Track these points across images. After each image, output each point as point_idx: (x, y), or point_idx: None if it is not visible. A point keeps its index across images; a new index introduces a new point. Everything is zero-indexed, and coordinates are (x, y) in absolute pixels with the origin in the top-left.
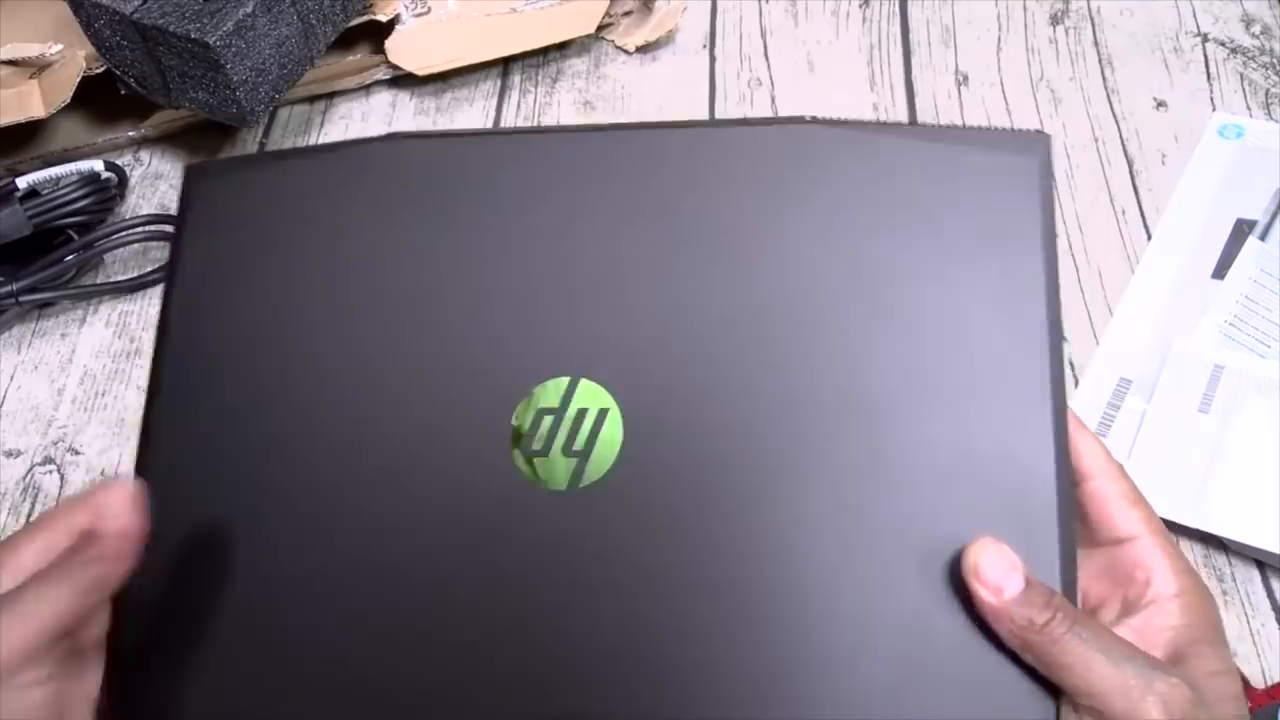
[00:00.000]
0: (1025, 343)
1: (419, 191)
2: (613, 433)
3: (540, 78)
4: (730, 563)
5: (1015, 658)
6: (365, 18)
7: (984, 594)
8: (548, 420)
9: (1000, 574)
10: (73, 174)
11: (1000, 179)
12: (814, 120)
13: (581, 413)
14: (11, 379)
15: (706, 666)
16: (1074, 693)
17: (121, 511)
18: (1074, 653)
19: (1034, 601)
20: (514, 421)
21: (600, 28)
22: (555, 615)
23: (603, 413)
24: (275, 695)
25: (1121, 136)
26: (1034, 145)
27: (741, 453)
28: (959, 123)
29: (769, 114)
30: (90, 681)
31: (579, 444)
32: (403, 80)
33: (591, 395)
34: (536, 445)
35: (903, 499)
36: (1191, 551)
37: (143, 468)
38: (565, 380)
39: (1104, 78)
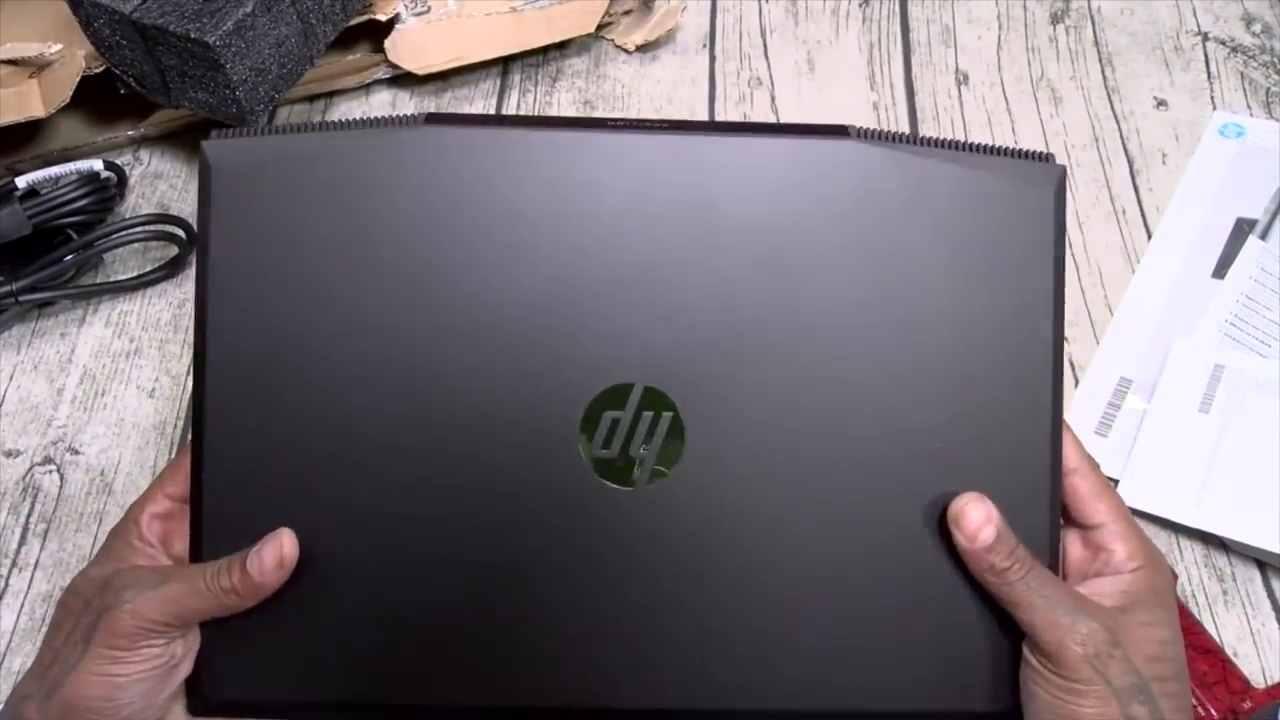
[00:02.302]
0: (1033, 352)
1: (461, 181)
2: (674, 434)
3: (540, 77)
4: (781, 549)
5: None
6: (365, 17)
7: (960, 539)
8: (614, 422)
9: (977, 525)
10: (72, 173)
11: (1019, 204)
12: (855, 131)
13: (645, 416)
14: (11, 379)
15: (753, 643)
16: (1020, 624)
17: (272, 570)
18: (1021, 594)
19: (999, 551)
20: (581, 423)
21: (600, 27)
22: (622, 599)
23: (664, 416)
24: (342, 652)
25: (1122, 136)
26: (1050, 173)
27: (789, 451)
28: (959, 122)
29: (769, 114)
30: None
31: (643, 445)
32: (402, 80)
33: (654, 400)
34: (603, 445)
35: (929, 482)
36: (1191, 551)
37: (198, 467)
38: (629, 385)
39: (1104, 77)
